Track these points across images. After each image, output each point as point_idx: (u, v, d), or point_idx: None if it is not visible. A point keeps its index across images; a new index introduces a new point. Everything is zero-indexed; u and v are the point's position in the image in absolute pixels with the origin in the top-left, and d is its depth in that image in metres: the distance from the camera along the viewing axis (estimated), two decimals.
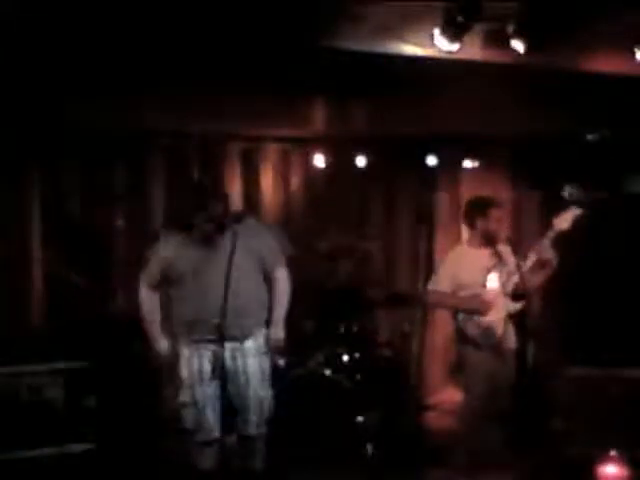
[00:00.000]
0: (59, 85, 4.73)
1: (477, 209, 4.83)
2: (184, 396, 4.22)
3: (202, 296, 4.07)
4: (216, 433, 4.17)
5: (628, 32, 4.41)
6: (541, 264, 4.71)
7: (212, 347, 4.13)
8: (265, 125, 6.19)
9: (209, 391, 4.14)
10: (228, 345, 4.14)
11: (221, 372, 4.05)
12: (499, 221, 4.82)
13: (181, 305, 4.25)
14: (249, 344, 4.25)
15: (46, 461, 4.81)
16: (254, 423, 4.25)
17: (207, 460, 4.19)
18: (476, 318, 4.71)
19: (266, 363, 4.31)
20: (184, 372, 4.24)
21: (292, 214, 6.63)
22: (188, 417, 4.20)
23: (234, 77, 4.69)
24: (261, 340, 4.31)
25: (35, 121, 5.51)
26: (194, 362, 4.18)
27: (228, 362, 4.18)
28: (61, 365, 5.02)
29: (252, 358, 4.25)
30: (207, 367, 4.16)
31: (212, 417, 4.15)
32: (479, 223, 4.82)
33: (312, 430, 5.23)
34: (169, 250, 4.28)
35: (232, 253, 3.94)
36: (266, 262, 4.34)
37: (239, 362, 4.22)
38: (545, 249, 4.62)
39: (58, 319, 5.76)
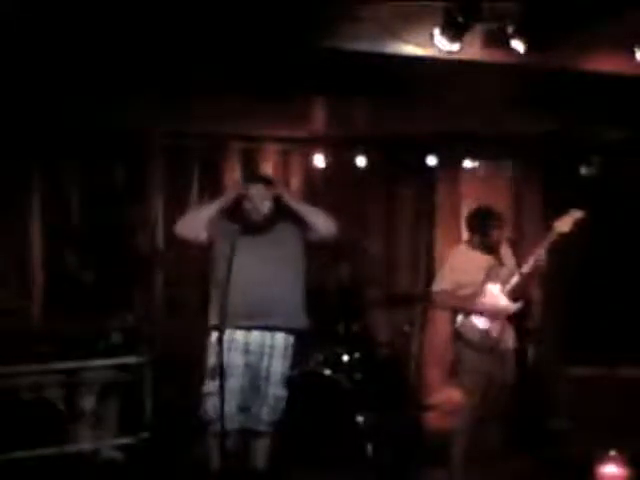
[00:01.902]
0: (59, 85, 4.73)
1: (477, 225, 4.83)
2: (209, 387, 4.20)
3: (240, 287, 4.02)
4: (236, 424, 4.17)
5: (628, 32, 4.40)
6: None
7: (244, 339, 4.17)
8: (265, 125, 6.19)
9: (234, 383, 4.12)
10: (258, 336, 4.19)
11: (221, 365, 4.01)
12: (498, 237, 4.82)
13: (218, 291, 4.22)
14: (279, 339, 4.27)
15: (46, 461, 4.81)
16: (265, 421, 4.28)
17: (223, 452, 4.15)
18: (475, 318, 4.71)
19: (288, 365, 4.34)
20: (210, 362, 4.22)
21: None
22: (210, 407, 4.16)
23: (234, 77, 4.69)
24: (291, 339, 4.34)
25: (36, 121, 5.53)
26: (223, 351, 4.06)
27: (254, 354, 4.22)
28: (62, 365, 5.03)
29: (277, 359, 4.28)
30: (237, 359, 4.17)
31: (233, 408, 4.12)
32: (478, 236, 4.82)
33: (312, 430, 5.23)
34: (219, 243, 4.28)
35: (271, 249, 4.14)
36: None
37: (265, 359, 4.26)
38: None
39: (58, 319, 5.76)
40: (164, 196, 6.33)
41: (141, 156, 6.27)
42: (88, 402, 5.11)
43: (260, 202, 4.26)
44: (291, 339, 4.35)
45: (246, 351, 4.23)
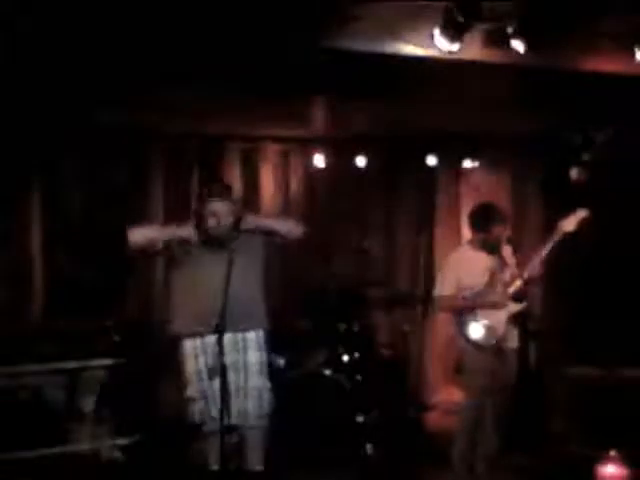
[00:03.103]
0: (60, 85, 4.73)
1: (481, 221, 4.82)
2: (191, 391, 4.29)
3: (204, 288, 4.14)
4: (222, 425, 4.18)
5: (628, 32, 4.40)
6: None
7: (213, 340, 4.18)
8: (265, 125, 6.19)
9: (215, 384, 4.14)
10: (230, 337, 4.21)
11: (222, 365, 4.03)
12: (501, 234, 4.81)
13: (184, 297, 4.35)
14: (250, 336, 4.34)
15: (46, 461, 4.81)
16: (252, 415, 4.29)
17: (215, 450, 4.16)
18: (477, 318, 4.71)
19: (264, 357, 4.39)
20: (189, 367, 4.31)
21: (292, 214, 6.62)
22: (196, 411, 4.27)
23: (234, 77, 4.69)
24: (261, 334, 4.39)
25: (37, 121, 5.53)
26: (199, 357, 4.27)
27: (229, 354, 4.22)
28: (62, 365, 5.03)
29: (252, 350, 4.34)
30: (211, 361, 4.20)
31: (216, 410, 4.09)
32: (481, 234, 4.82)
33: (312, 430, 5.23)
34: (182, 259, 4.38)
35: (232, 249, 4.08)
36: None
37: (240, 354, 4.30)
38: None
39: (58, 319, 5.76)
40: (164, 196, 6.33)
41: (141, 156, 6.27)
42: (88, 402, 5.11)
43: (223, 218, 4.30)
44: (262, 334, 4.40)
45: (220, 353, 4.24)
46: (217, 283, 4.00)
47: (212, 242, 4.31)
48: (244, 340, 4.34)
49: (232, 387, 4.21)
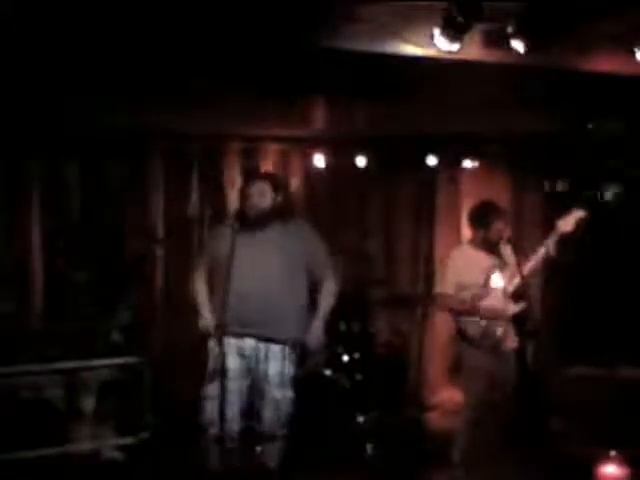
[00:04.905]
0: (59, 85, 4.73)
1: (480, 220, 4.83)
2: (207, 389, 4.23)
3: (234, 291, 4.00)
4: (233, 428, 4.18)
5: (628, 32, 4.40)
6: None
7: (238, 343, 4.18)
8: (265, 125, 6.19)
9: (231, 386, 4.13)
10: (253, 343, 4.20)
11: (222, 368, 4.03)
12: (501, 231, 4.82)
13: (217, 297, 4.27)
14: (274, 348, 4.25)
15: (46, 461, 4.81)
16: (268, 422, 4.27)
17: (216, 455, 4.17)
18: (477, 318, 4.71)
19: (288, 367, 4.30)
20: (210, 365, 4.25)
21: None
22: (208, 410, 4.19)
23: (234, 77, 4.69)
24: (288, 345, 4.30)
25: (36, 121, 5.53)
26: (219, 356, 4.13)
27: (251, 360, 4.23)
28: (62, 365, 5.03)
29: (273, 361, 4.25)
30: (231, 363, 4.17)
31: (230, 412, 4.12)
32: (481, 232, 4.83)
33: (312, 430, 5.22)
34: (216, 242, 4.34)
35: (270, 252, 4.09)
36: (313, 266, 4.37)
37: (261, 362, 4.25)
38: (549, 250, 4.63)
39: (58, 319, 5.76)
40: (164, 196, 6.33)
41: (141, 156, 6.27)
42: (88, 402, 5.11)
43: (258, 198, 4.27)
44: (290, 340, 4.30)
45: (241, 355, 4.23)
46: (247, 278, 3.98)
47: (248, 227, 4.20)
48: (267, 350, 4.25)
49: (251, 393, 4.22)
